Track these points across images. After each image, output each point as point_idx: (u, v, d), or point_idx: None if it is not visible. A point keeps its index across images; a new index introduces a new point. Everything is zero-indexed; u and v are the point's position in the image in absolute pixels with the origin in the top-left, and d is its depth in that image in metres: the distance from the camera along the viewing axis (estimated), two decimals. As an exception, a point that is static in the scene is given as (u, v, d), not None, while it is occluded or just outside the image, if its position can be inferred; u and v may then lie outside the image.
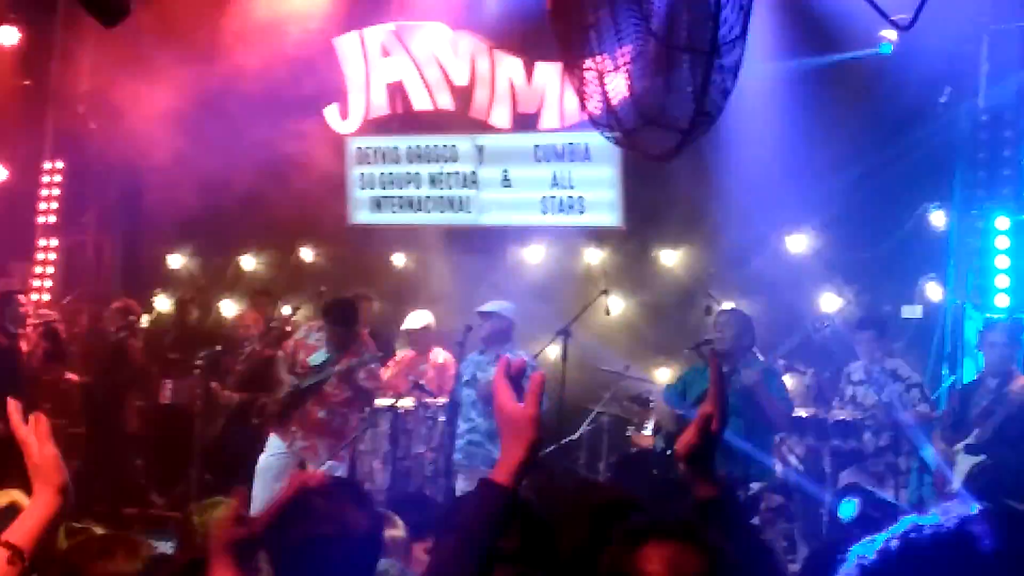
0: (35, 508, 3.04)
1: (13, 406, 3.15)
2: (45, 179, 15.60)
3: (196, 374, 12.67)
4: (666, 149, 4.53)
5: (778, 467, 9.75)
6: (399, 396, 10.86)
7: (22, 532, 2.98)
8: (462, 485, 10.04)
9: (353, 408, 10.37)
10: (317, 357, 10.29)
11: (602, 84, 4.66)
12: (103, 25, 2.30)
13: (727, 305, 11.37)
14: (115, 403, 12.68)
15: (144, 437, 13.12)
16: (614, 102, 4.64)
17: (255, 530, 2.95)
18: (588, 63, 4.74)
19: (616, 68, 4.48)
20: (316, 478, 3.06)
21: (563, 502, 3.43)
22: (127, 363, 12.76)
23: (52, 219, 15.61)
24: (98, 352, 13.47)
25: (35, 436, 3.10)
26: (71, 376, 13.36)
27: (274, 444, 10.29)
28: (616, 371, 11.44)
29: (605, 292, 12.10)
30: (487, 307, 10.51)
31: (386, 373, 11.32)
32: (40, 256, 15.52)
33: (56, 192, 15.61)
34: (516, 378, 2.77)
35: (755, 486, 9.04)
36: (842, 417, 9.95)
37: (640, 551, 2.42)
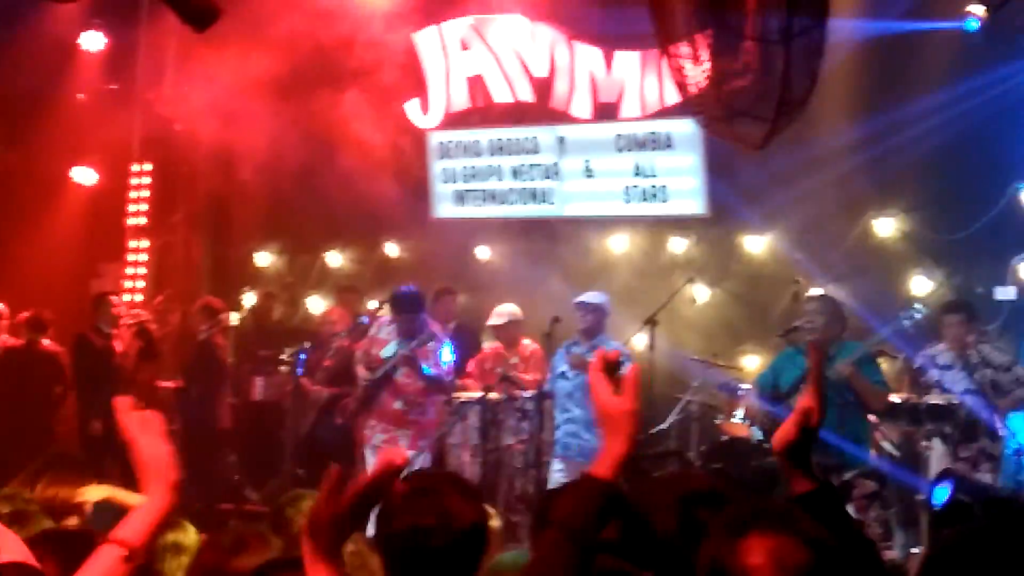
0: (148, 506, 2.95)
1: (122, 403, 3.05)
2: (134, 181, 15.80)
3: (285, 371, 12.81)
4: (758, 136, 4.51)
5: (872, 453, 9.64)
6: (488, 389, 10.88)
7: (134, 530, 2.90)
8: (558, 475, 10.06)
9: (429, 397, 10.43)
10: (388, 349, 10.40)
11: (700, 72, 4.65)
12: (194, 30, 2.33)
13: (816, 291, 11.28)
14: (206, 401, 12.85)
15: (237, 434, 13.29)
16: (706, 90, 4.63)
17: (342, 507, 2.89)
18: (684, 50, 4.72)
19: (703, 57, 4.47)
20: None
21: (653, 491, 3.41)
22: (214, 361, 12.92)
23: (142, 220, 15.81)
24: (187, 352, 13.68)
25: (147, 434, 3.02)
26: (165, 384, 13.58)
27: (371, 463, 10.45)
28: (703, 360, 11.38)
29: (690, 280, 12.06)
30: (586, 298, 10.48)
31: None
32: (131, 257, 15.73)
33: (145, 194, 15.81)
34: (612, 371, 2.78)
35: (848, 473, 8.95)
36: (936, 401, 9.82)
37: (742, 542, 2.39)
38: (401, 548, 3.10)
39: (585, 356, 10.23)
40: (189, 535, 4.59)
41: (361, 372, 10.67)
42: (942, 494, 8.65)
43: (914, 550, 9.15)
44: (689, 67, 4.71)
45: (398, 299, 10.57)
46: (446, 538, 3.06)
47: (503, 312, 11.72)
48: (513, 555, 4.06)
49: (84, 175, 15.67)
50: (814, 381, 3.14)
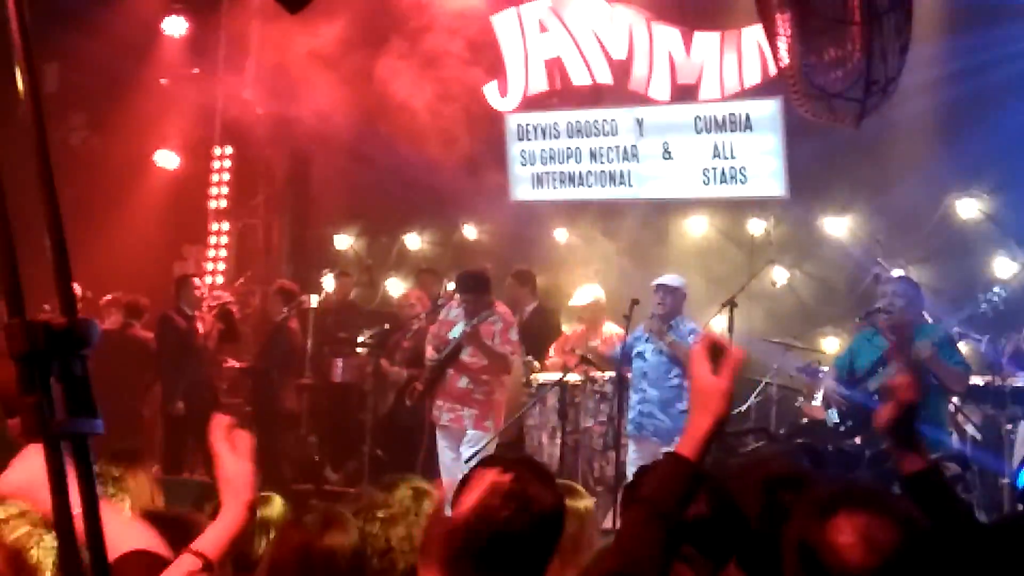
0: (224, 520, 3.05)
1: (218, 421, 3.17)
2: (215, 165, 16.01)
3: (365, 352, 12.90)
4: (852, 116, 4.49)
5: (954, 436, 9.55)
6: (567, 370, 10.89)
7: (211, 542, 2.99)
8: (633, 456, 10.06)
9: (495, 376, 10.44)
10: (455, 330, 10.43)
11: (795, 52, 4.63)
12: (288, 11, 2.37)
13: (896, 273, 11.17)
14: (273, 383, 12.94)
15: (317, 415, 13.44)
16: (803, 71, 4.61)
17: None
18: (782, 29, 4.70)
19: (799, 37, 4.46)
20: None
21: (735, 474, 3.42)
22: (286, 345, 13.01)
23: (223, 203, 16.01)
24: (259, 334, 13.83)
25: (232, 452, 3.12)
26: (233, 363, 13.72)
27: (441, 444, 10.51)
28: (783, 342, 11.30)
29: (770, 262, 11.99)
30: (664, 280, 10.44)
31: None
32: (213, 240, 15.94)
33: (226, 177, 16.01)
34: (715, 354, 2.78)
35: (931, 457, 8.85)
36: (1020, 384, 9.70)
37: (831, 521, 2.38)
38: (480, 534, 3.10)
39: (663, 328, 10.21)
40: (275, 508, 4.63)
41: (429, 353, 10.72)
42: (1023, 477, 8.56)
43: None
44: (784, 45, 4.69)
45: (462, 279, 10.64)
46: (525, 524, 3.06)
47: (586, 293, 11.72)
48: None
49: (167, 159, 15.89)
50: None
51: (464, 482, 3.25)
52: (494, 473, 3.15)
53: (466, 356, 10.36)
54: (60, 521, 1.53)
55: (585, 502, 4.54)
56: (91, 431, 1.54)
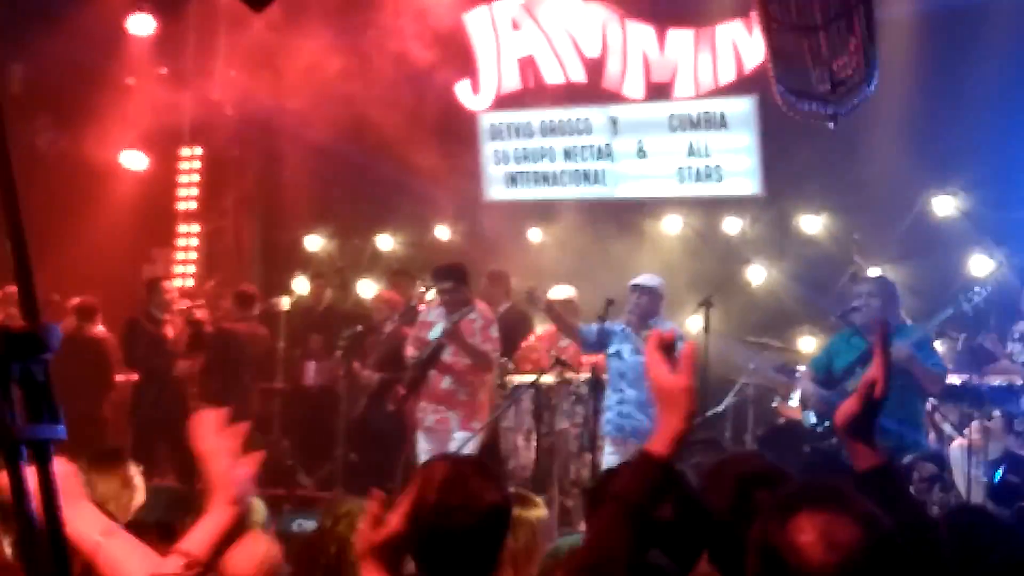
0: (211, 519, 3.06)
1: (205, 417, 3.16)
2: (184, 166, 15.90)
3: (338, 355, 12.79)
4: (827, 115, 4.47)
5: (931, 436, 9.53)
6: (541, 372, 10.80)
7: (198, 542, 3.02)
8: (611, 457, 9.97)
9: (478, 376, 10.35)
10: (435, 331, 10.35)
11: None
12: (252, 9, 2.32)
13: (872, 272, 11.15)
14: (235, 387, 12.78)
15: (289, 419, 13.33)
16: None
17: (396, 531, 3.04)
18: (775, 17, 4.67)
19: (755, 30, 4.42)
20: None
21: (707, 472, 3.44)
22: (239, 348, 12.87)
23: (192, 205, 15.91)
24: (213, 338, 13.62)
25: (219, 450, 3.11)
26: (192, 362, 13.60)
27: (423, 447, 10.40)
28: (760, 341, 11.28)
29: (747, 261, 11.97)
30: (640, 280, 10.35)
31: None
32: (182, 242, 15.84)
33: (195, 178, 15.91)
34: (668, 350, 2.81)
35: (908, 457, 8.83)
36: (997, 382, 9.68)
37: (792, 521, 2.36)
38: (422, 529, 3.12)
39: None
40: (257, 512, 4.61)
41: (410, 352, 10.63)
42: (999, 475, 8.57)
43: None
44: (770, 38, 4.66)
45: (438, 271, 10.54)
46: (467, 519, 3.10)
47: (561, 290, 11.65)
48: (572, 540, 4.07)
49: (134, 160, 15.73)
50: (881, 354, 3.12)
51: (409, 481, 3.26)
52: (435, 470, 3.19)
53: (448, 356, 10.27)
54: (22, 527, 1.51)
55: (537, 512, 4.57)
56: (52, 436, 1.51)
